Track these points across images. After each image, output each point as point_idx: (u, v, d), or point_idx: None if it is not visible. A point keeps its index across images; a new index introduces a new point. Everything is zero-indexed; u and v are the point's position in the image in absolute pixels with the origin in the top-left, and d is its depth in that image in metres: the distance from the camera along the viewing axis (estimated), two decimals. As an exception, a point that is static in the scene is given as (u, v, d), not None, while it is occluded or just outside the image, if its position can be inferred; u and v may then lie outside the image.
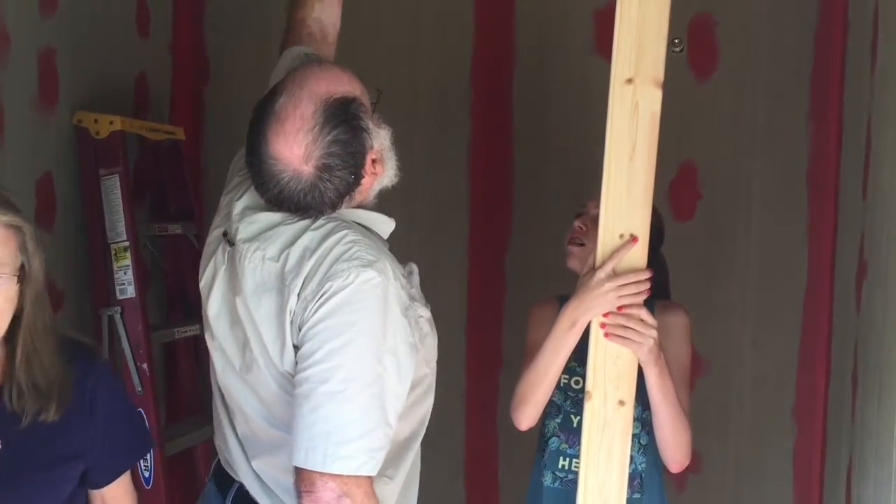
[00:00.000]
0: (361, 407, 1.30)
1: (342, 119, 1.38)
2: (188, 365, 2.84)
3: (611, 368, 1.54)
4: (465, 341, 2.74)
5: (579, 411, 1.85)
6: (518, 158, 2.76)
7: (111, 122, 2.34)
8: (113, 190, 2.35)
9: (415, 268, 1.50)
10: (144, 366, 2.37)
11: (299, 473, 1.30)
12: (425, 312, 1.47)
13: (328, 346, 1.30)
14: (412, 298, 1.43)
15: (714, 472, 2.71)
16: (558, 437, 1.89)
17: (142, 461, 2.38)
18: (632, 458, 1.74)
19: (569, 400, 1.87)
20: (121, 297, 2.37)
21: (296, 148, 1.36)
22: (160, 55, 2.86)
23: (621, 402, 1.54)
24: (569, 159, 2.60)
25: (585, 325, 1.58)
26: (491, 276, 2.77)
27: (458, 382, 2.69)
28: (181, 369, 2.84)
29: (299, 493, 1.30)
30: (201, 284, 1.53)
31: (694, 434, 2.54)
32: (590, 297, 1.55)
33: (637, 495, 1.78)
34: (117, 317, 2.37)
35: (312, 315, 1.32)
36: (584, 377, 1.65)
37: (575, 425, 1.87)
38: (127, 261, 2.37)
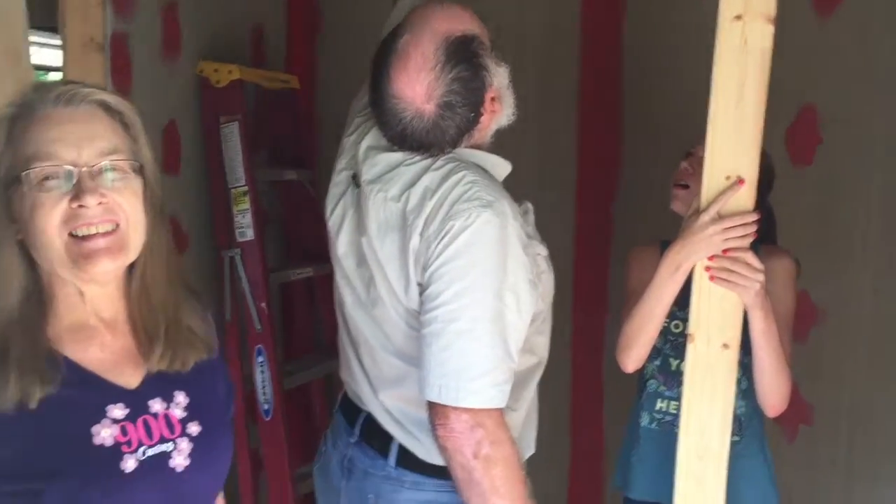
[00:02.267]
0: (488, 344, 1.36)
1: (463, 57, 1.41)
2: (303, 306, 2.97)
3: (715, 311, 1.52)
4: (571, 287, 2.75)
5: (678, 355, 1.85)
6: (627, 101, 2.71)
7: (230, 72, 2.44)
8: (232, 136, 2.46)
9: (530, 207, 1.54)
10: (263, 305, 2.49)
11: (433, 408, 1.38)
12: (542, 250, 1.51)
13: (455, 287, 1.36)
14: (530, 236, 1.47)
15: (826, 423, 2.64)
16: (656, 379, 1.90)
17: (262, 395, 2.52)
18: None
19: (668, 343, 1.87)
20: (240, 240, 2.49)
21: (418, 86, 1.40)
22: (276, 6, 2.93)
23: (725, 346, 1.52)
24: (680, 102, 2.53)
25: (690, 268, 1.56)
26: (599, 220, 2.76)
27: (564, 326, 2.71)
28: (297, 310, 2.97)
29: (434, 426, 1.38)
30: (329, 224, 1.60)
31: (806, 385, 2.50)
32: (694, 241, 1.53)
33: (736, 438, 1.78)
34: (237, 258, 2.50)
35: (437, 256, 1.38)
36: (683, 321, 1.65)
37: (673, 368, 1.87)
38: (246, 205, 2.48)
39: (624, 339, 1.77)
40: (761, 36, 1.42)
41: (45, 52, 2.98)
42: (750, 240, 1.51)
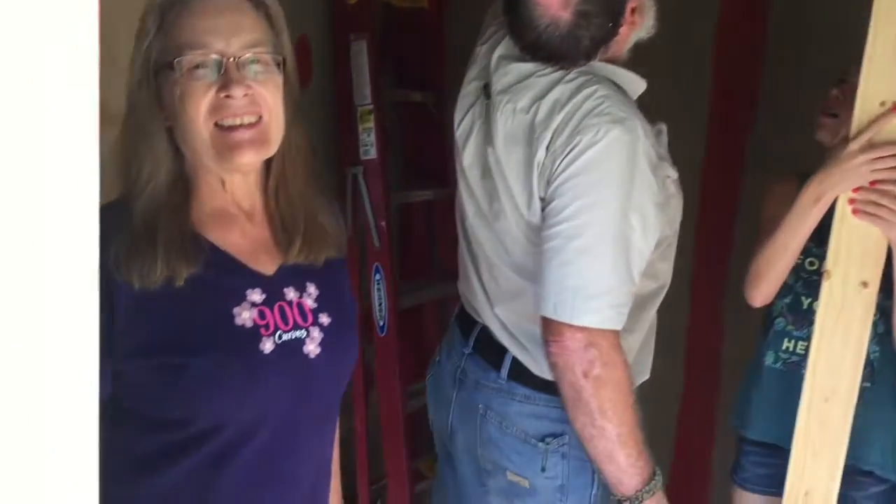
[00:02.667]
0: (609, 263, 1.34)
1: None
2: (421, 229, 3.00)
3: (855, 247, 1.43)
4: (694, 225, 2.66)
5: (810, 293, 1.77)
6: (775, 30, 2.55)
7: (362, -12, 2.45)
8: (360, 54, 2.47)
9: (663, 128, 1.48)
10: (383, 223, 2.53)
11: (547, 323, 1.36)
12: (672, 173, 1.46)
13: (578, 203, 1.33)
14: (661, 158, 1.42)
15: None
16: (785, 317, 1.82)
17: (378, 311, 2.57)
18: None
19: (800, 281, 1.78)
20: (364, 158, 2.52)
21: None
22: (409, -76, 2.91)
23: (864, 284, 1.43)
24: (826, 35, 2.37)
25: (831, 200, 1.47)
26: (729, 157, 2.64)
27: (685, 265, 2.63)
28: (415, 232, 3.00)
29: (547, 342, 1.37)
30: (457, 135, 1.58)
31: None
32: (840, 170, 1.43)
33: (867, 384, 1.70)
34: (360, 176, 2.53)
35: (562, 171, 1.35)
36: (819, 258, 1.56)
37: (805, 307, 1.79)
38: (370, 123, 2.51)
39: (753, 273, 1.70)
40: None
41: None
42: None
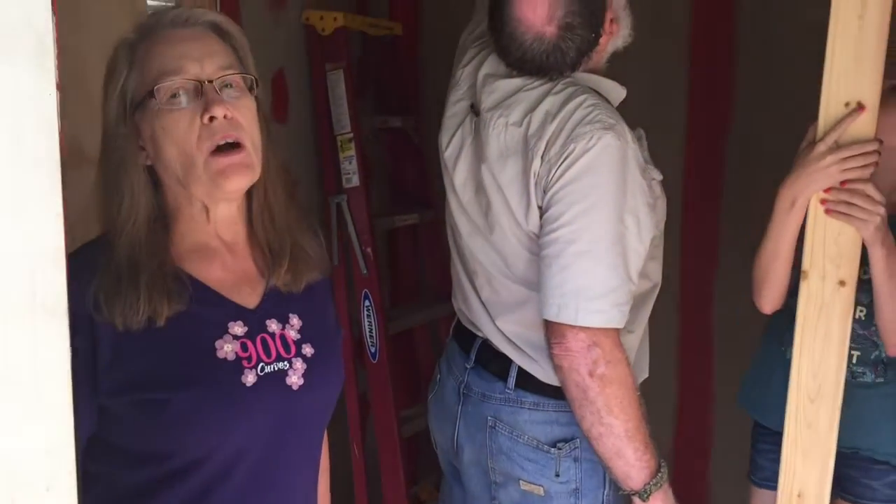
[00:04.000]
0: (608, 265, 1.38)
1: None
2: (408, 253, 3.01)
3: (830, 247, 1.45)
4: (680, 228, 2.67)
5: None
6: (741, 33, 2.58)
7: (335, 19, 2.46)
8: (338, 83, 2.50)
9: (643, 133, 1.53)
10: (368, 250, 2.53)
11: (550, 326, 1.40)
12: (657, 175, 1.51)
13: (575, 209, 1.38)
14: (646, 161, 1.47)
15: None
16: None
17: (369, 338, 2.58)
18: (875, 343, 1.67)
19: None
20: (347, 186, 2.53)
21: (539, 9, 1.41)
22: (380, -47, 2.95)
23: (842, 283, 1.45)
24: (800, 35, 2.40)
25: (807, 201, 1.49)
26: (709, 159, 2.66)
27: (673, 275, 2.65)
28: (402, 257, 3.01)
29: (551, 345, 1.41)
30: (446, 155, 1.62)
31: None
32: (809, 172, 1.46)
33: (881, 380, 1.72)
34: (344, 204, 2.54)
35: (558, 178, 1.39)
36: None
37: None
38: (351, 151, 2.52)
39: (755, 282, 1.72)
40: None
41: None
42: (870, 171, 1.43)
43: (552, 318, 1.39)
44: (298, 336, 1.13)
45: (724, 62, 2.59)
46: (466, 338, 1.65)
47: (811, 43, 1.48)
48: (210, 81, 1.03)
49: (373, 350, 2.59)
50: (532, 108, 1.45)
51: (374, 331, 2.57)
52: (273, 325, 1.11)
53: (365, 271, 2.55)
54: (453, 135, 1.61)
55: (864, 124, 1.40)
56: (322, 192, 2.58)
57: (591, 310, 1.36)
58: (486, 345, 1.60)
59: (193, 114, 1.02)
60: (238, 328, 1.08)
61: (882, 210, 1.42)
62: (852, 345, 1.56)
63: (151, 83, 1.02)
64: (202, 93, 1.02)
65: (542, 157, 1.41)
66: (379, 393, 2.59)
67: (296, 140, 2.52)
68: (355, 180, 2.53)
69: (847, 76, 1.39)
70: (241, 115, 1.04)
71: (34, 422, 0.55)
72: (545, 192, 1.41)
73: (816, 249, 1.47)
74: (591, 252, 1.37)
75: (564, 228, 1.38)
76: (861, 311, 1.72)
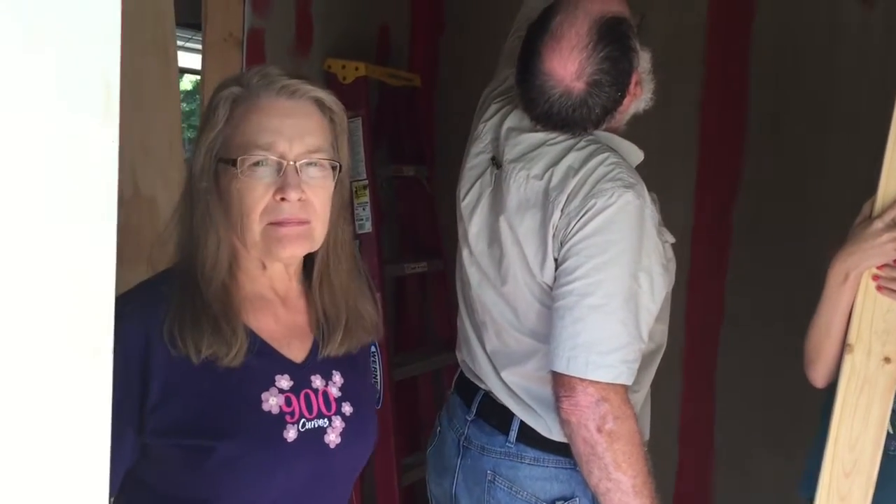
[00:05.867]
0: (621, 321, 1.38)
1: (614, 38, 1.45)
2: (415, 301, 3.02)
3: (878, 323, 1.44)
4: (685, 297, 2.69)
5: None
6: (754, 103, 2.62)
7: (356, 69, 2.52)
8: (356, 131, 2.53)
9: (655, 197, 1.54)
10: (378, 295, 2.54)
11: (559, 379, 1.40)
12: (670, 238, 1.53)
13: (592, 263, 1.39)
14: (661, 223, 1.49)
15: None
16: None
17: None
18: None
19: None
20: (359, 232, 2.56)
21: (570, 64, 1.43)
22: (401, 6, 3.01)
23: (887, 360, 1.44)
24: (813, 103, 2.44)
25: (860, 277, 1.47)
26: (717, 230, 2.69)
27: (677, 337, 2.65)
28: (409, 304, 3.02)
29: (559, 398, 1.40)
30: (463, 205, 1.64)
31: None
32: (864, 248, 1.44)
33: None
34: (356, 250, 2.56)
35: (577, 232, 1.41)
36: None
37: None
38: (366, 198, 2.55)
39: (806, 357, 1.66)
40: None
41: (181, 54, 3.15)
42: None
43: (561, 370, 1.39)
44: (339, 394, 1.14)
45: (735, 131, 2.63)
46: (469, 390, 1.65)
47: (820, 118, 1.50)
48: (295, 162, 1.05)
49: (377, 397, 2.59)
50: (555, 163, 1.48)
51: (378, 377, 2.57)
52: (317, 381, 1.13)
53: (373, 317, 2.55)
54: (472, 186, 1.63)
55: (923, 202, 1.40)
56: (334, 236, 2.60)
57: (601, 364, 1.36)
58: (489, 397, 1.60)
59: (268, 188, 1.04)
60: (284, 382, 1.09)
61: None
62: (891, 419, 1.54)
63: (239, 152, 1.05)
64: (283, 171, 1.04)
65: (562, 210, 1.43)
66: (381, 440, 2.58)
67: (311, 184, 2.54)
68: (368, 226, 2.56)
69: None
70: (315, 195, 1.07)
71: (69, 463, 0.56)
72: (563, 244, 1.43)
73: (864, 324, 1.46)
74: (604, 307, 1.38)
75: (580, 281, 1.39)
76: None
